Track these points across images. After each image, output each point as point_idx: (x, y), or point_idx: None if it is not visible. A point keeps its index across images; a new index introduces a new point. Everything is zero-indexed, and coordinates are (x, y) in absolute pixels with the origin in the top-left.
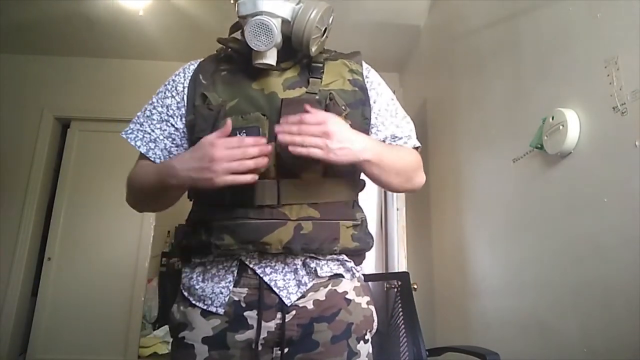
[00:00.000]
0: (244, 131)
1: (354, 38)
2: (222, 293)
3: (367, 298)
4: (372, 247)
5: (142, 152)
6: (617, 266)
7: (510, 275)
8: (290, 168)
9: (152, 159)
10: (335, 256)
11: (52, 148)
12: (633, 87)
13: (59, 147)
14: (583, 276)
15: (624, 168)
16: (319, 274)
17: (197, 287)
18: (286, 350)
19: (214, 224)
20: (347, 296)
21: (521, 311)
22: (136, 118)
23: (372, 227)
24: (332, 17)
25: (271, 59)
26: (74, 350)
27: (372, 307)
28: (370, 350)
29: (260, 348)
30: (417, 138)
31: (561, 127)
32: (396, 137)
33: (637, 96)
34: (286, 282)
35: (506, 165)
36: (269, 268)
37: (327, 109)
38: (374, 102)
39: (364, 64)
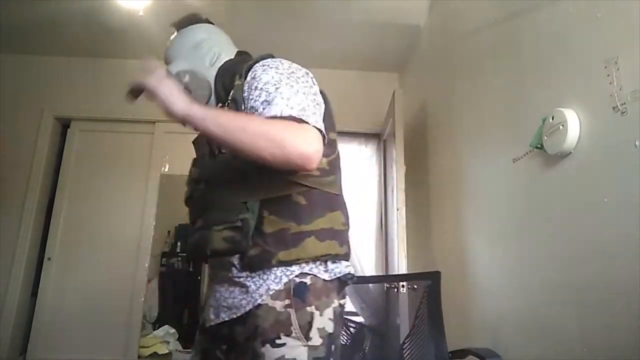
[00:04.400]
0: None
1: (354, 38)
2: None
3: (287, 302)
4: (245, 248)
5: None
6: (617, 266)
7: (510, 275)
8: (189, 191)
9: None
10: (236, 278)
11: (52, 148)
12: (633, 87)
13: (59, 147)
14: (583, 276)
15: (624, 168)
16: (224, 318)
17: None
18: (225, 346)
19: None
20: (258, 301)
21: (521, 311)
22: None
23: (372, 227)
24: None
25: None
26: (74, 350)
27: (292, 310)
28: (290, 355)
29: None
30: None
31: (561, 127)
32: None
33: (637, 96)
34: (206, 312)
35: (506, 165)
36: (210, 290)
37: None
38: (247, 101)
39: (251, 68)
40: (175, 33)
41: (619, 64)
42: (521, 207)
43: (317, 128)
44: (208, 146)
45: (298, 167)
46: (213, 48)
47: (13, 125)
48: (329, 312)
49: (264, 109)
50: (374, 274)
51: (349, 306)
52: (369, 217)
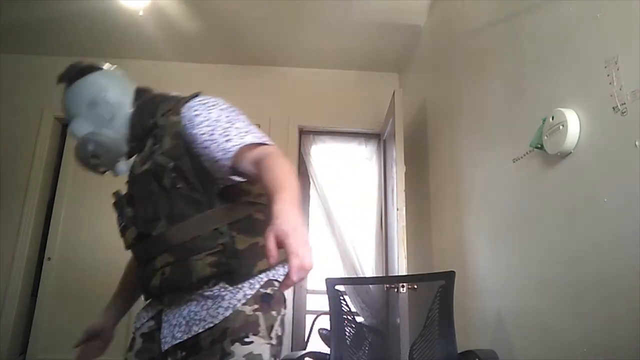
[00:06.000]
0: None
1: (354, 38)
2: (140, 320)
3: (256, 306)
4: (236, 266)
5: None
6: (617, 266)
7: (510, 275)
8: (143, 230)
9: None
10: (208, 292)
11: (52, 148)
12: (633, 87)
13: (59, 147)
14: (583, 276)
15: (624, 168)
16: (197, 331)
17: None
18: (184, 353)
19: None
20: (237, 307)
21: (521, 311)
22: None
23: (372, 227)
24: (97, 145)
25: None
26: (74, 350)
27: (259, 314)
28: (257, 351)
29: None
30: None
31: (561, 127)
32: (225, 157)
33: (637, 96)
34: (167, 332)
35: (506, 165)
36: (165, 316)
37: (157, 176)
38: (195, 136)
39: (185, 106)
40: (66, 86)
41: (619, 64)
42: (521, 207)
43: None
44: (156, 183)
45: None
46: (110, 100)
47: (13, 125)
48: (280, 318)
49: (227, 141)
50: (373, 274)
51: (350, 306)
52: (369, 217)
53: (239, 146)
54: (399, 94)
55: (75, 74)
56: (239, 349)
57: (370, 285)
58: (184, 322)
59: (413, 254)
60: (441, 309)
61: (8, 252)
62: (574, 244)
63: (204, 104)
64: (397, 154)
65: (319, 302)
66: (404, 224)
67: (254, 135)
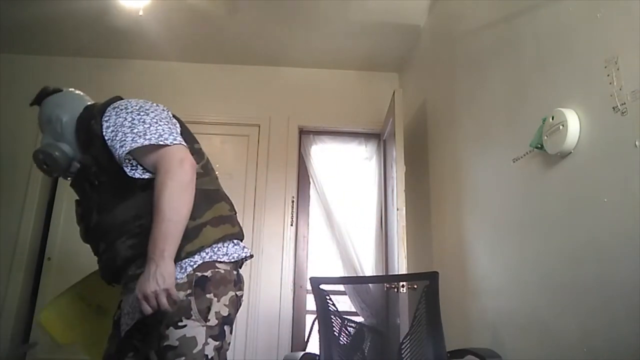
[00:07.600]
0: None
1: (354, 38)
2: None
3: (189, 291)
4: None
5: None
6: (617, 266)
7: (510, 275)
8: (87, 223)
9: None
10: (139, 272)
11: None
12: (633, 87)
13: None
14: (583, 276)
15: (624, 168)
16: (138, 317)
17: None
18: (139, 337)
19: None
20: None
21: (521, 311)
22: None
23: (372, 227)
24: (54, 154)
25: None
26: (74, 350)
27: (192, 298)
28: (190, 334)
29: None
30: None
31: (561, 127)
32: (121, 161)
33: (637, 96)
34: (123, 320)
35: (506, 165)
36: (122, 304)
37: (85, 173)
38: (105, 139)
39: (102, 112)
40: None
41: (619, 64)
42: (521, 207)
43: (176, 143)
44: (87, 181)
45: (186, 173)
46: (60, 116)
47: (13, 125)
48: (225, 299)
49: (121, 146)
50: (373, 274)
51: (349, 306)
52: (369, 217)
53: (127, 151)
54: (399, 94)
55: (41, 97)
56: (173, 333)
57: (370, 285)
58: (131, 310)
59: (413, 254)
60: (427, 309)
61: (8, 252)
62: (574, 243)
63: (115, 108)
64: (397, 154)
65: None
66: (404, 224)
67: (145, 138)
